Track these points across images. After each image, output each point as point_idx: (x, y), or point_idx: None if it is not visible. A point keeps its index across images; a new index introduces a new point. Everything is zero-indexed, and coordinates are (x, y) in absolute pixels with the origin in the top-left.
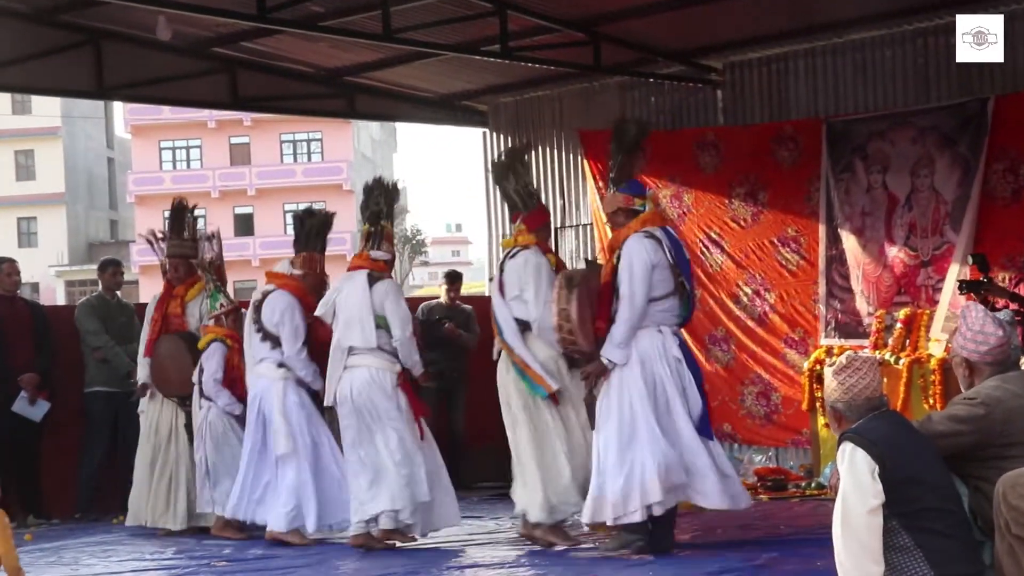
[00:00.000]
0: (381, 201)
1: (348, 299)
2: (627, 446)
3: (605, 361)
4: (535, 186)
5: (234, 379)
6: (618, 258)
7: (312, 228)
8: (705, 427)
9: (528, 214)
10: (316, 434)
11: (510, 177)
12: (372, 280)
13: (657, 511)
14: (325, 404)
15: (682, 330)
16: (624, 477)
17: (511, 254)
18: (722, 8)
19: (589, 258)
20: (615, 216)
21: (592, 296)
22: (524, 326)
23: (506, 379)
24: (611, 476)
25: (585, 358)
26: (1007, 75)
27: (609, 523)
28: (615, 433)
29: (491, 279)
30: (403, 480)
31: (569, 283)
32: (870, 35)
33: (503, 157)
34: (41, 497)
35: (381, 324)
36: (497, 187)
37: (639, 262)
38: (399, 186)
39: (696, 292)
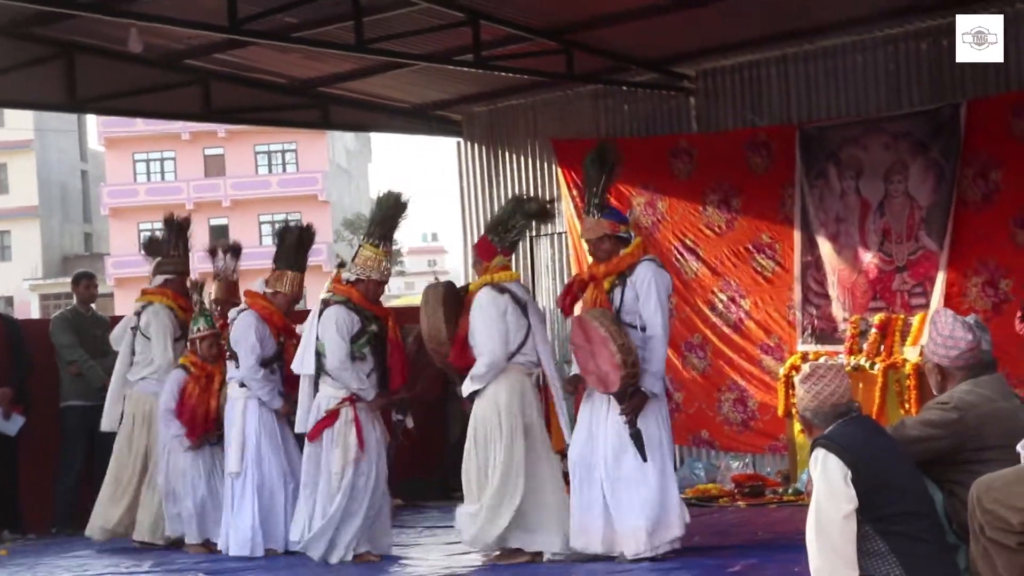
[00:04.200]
0: (370, 222)
1: (307, 325)
2: (670, 475)
3: (649, 393)
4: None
5: (192, 408)
6: (615, 284)
7: (289, 245)
8: None
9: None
10: (271, 454)
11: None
12: (324, 306)
13: None
14: (296, 430)
15: None
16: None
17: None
18: (694, 16)
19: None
20: (600, 242)
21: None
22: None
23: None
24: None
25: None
26: (978, 80)
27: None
28: (662, 463)
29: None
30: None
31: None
32: (842, 41)
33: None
34: (18, 512)
35: (321, 351)
36: (514, 217)
37: (665, 294)
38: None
39: None
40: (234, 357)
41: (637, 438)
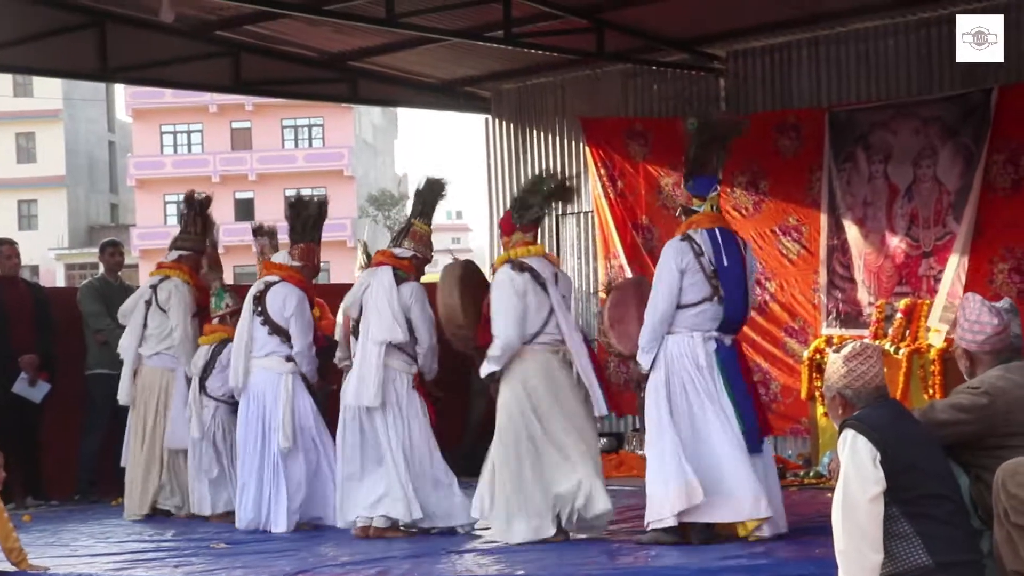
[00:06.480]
0: (419, 200)
1: (376, 295)
2: (657, 455)
3: (638, 366)
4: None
5: None
6: None
7: (308, 218)
8: (751, 440)
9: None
10: (318, 430)
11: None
12: (399, 279)
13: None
14: (366, 403)
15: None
16: (657, 484)
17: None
18: None
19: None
20: (680, 214)
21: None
22: None
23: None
24: (649, 481)
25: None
26: (1011, 66)
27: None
28: (650, 440)
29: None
30: (401, 481)
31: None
32: (873, 24)
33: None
34: (41, 478)
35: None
36: (533, 195)
37: (665, 267)
38: (411, 179)
39: (754, 295)
40: (277, 331)
41: (640, 409)
